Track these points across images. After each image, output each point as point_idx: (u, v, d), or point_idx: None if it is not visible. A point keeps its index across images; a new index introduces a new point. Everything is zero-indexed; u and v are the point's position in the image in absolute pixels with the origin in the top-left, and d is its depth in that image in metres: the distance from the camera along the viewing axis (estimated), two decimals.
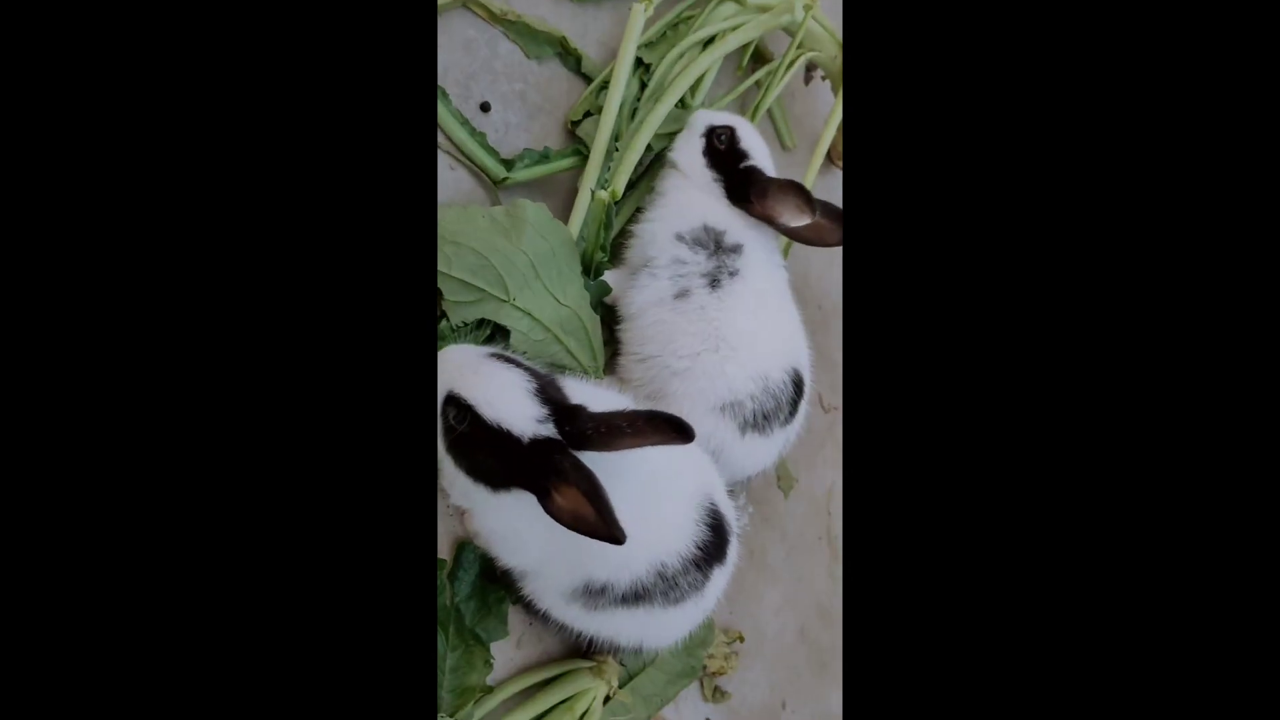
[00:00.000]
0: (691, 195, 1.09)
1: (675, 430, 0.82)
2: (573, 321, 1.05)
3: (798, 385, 1.08)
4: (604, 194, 1.05)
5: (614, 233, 1.11)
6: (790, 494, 1.34)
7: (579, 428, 0.83)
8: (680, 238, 1.06)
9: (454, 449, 0.87)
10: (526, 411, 0.84)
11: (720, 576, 0.99)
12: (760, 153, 1.12)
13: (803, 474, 1.36)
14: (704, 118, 1.13)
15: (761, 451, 1.08)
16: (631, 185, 1.13)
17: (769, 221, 1.07)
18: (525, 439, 0.83)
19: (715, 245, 1.05)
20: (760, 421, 1.04)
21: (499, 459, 0.84)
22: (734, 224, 1.08)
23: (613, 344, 1.11)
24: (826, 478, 1.40)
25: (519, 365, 0.89)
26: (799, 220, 1.06)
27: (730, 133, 1.10)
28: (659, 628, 0.99)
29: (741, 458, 1.06)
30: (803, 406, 1.11)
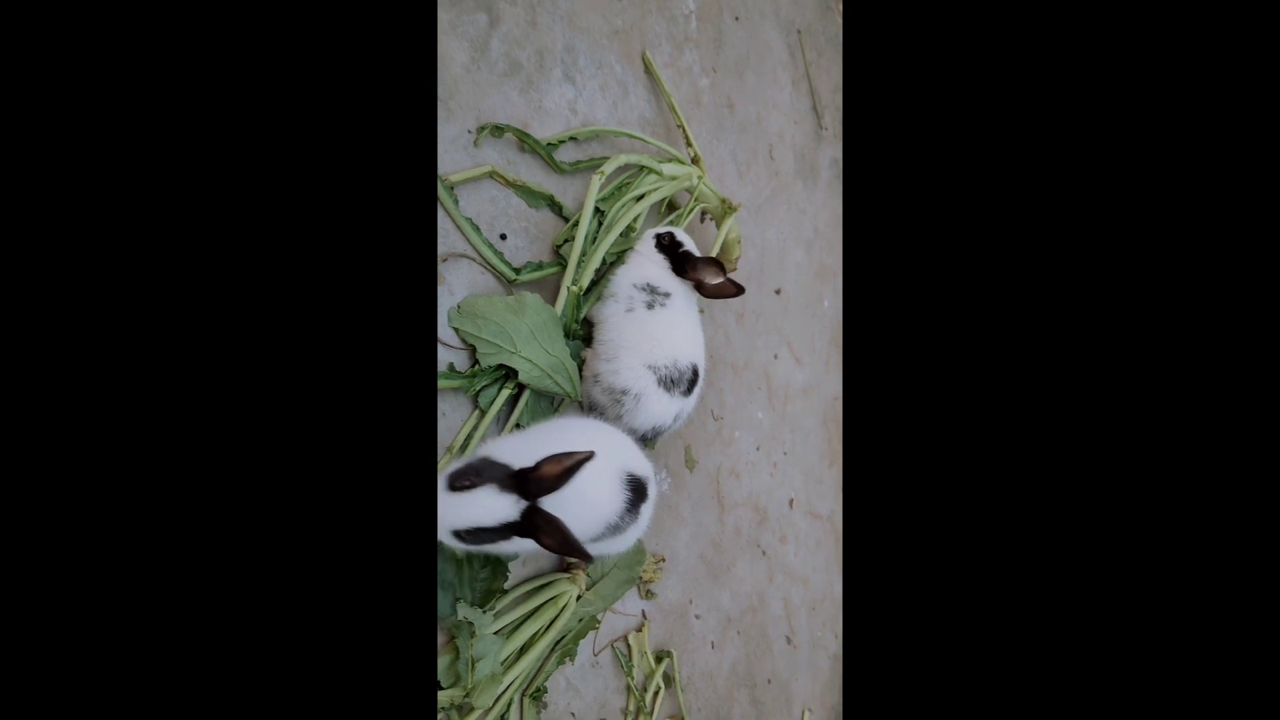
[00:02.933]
0: (644, 265, 1.14)
1: (579, 460, 0.78)
2: (559, 366, 1.06)
3: (695, 374, 1.12)
4: (575, 289, 1.07)
5: (583, 312, 1.11)
6: (694, 470, 1.35)
7: (534, 489, 0.78)
8: (634, 285, 1.11)
9: (480, 542, 0.83)
10: (506, 504, 0.79)
11: (646, 509, 0.99)
12: (689, 244, 1.17)
13: (701, 458, 1.37)
14: (652, 230, 1.18)
15: (666, 405, 1.08)
16: (594, 282, 1.15)
17: (697, 281, 1.13)
18: (518, 518, 0.80)
19: (651, 291, 1.10)
20: (669, 384, 1.08)
21: (506, 534, 0.81)
22: (668, 283, 1.13)
23: (589, 339, 1.13)
24: (716, 460, 1.40)
25: (479, 474, 0.79)
26: (717, 279, 1.12)
27: (670, 234, 1.16)
28: (617, 546, 1.00)
29: (654, 403, 1.07)
30: (697, 392, 1.13)
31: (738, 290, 1.12)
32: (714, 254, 1.31)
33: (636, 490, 0.96)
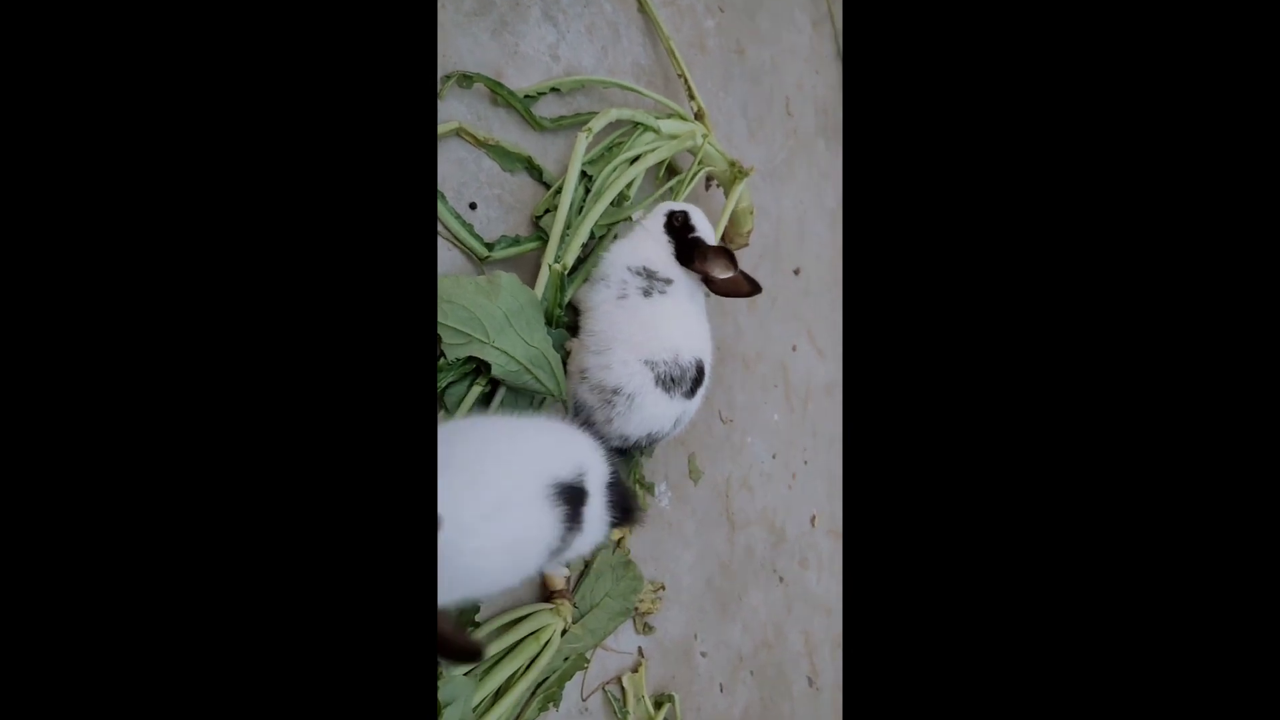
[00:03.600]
0: (645, 244, 1.16)
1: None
2: (539, 359, 1.07)
3: (699, 371, 1.14)
4: (558, 267, 1.09)
5: (568, 296, 1.13)
6: (699, 482, 1.37)
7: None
8: (629, 267, 1.13)
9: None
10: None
11: (594, 511, 0.94)
12: (704, 229, 1.19)
13: (708, 468, 1.39)
14: (667, 205, 1.20)
15: (664, 407, 1.10)
16: (580, 260, 1.17)
17: (705, 274, 1.14)
18: None
19: (649, 275, 1.12)
20: (668, 382, 1.09)
21: None
22: (670, 268, 1.15)
23: (574, 328, 1.15)
24: (724, 470, 1.43)
25: None
26: (726, 273, 1.13)
27: (684, 215, 1.18)
28: (574, 551, 0.98)
29: (650, 405, 1.09)
30: (701, 392, 1.16)
31: (752, 288, 1.14)
32: (721, 227, 1.34)
33: (573, 497, 0.90)
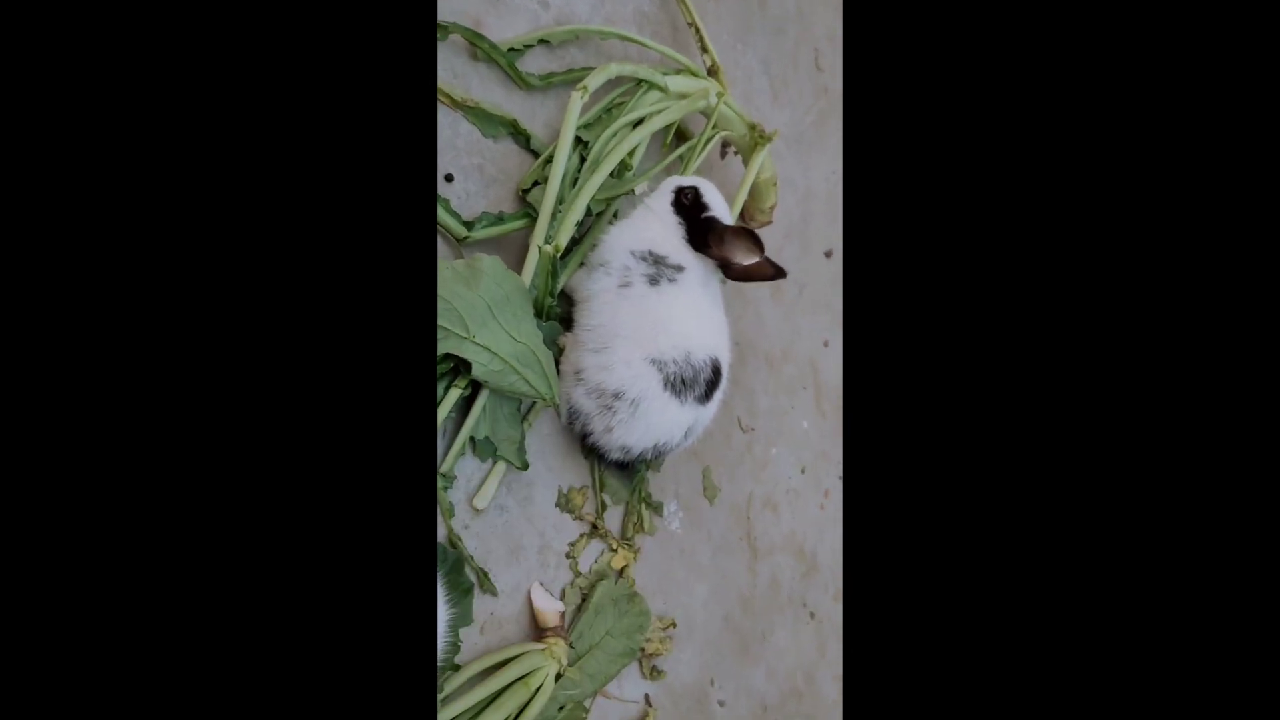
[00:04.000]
0: (651, 226, 1.15)
1: None
2: (527, 356, 1.06)
3: (715, 371, 1.13)
4: (548, 248, 1.07)
5: (560, 283, 1.12)
6: (714, 502, 1.36)
7: None
8: (632, 253, 1.12)
9: None
10: None
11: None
12: (719, 206, 1.18)
13: (725, 485, 1.38)
14: (674, 180, 1.19)
15: (674, 414, 1.10)
16: (575, 241, 1.16)
17: (724, 261, 1.13)
18: None
19: (657, 261, 1.11)
20: (679, 385, 1.09)
21: None
22: (680, 252, 1.14)
23: (568, 321, 1.15)
24: (745, 488, 1.41)
25: None
26: (749, 258, 1.12)
27: (695, 191, 1.17)
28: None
29: (657, 412, 1.09)
30: (717, 396, 1.15)
31: (777, 272, 1.13)
32: (739, 203, 1.32)
33: None
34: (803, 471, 1.52)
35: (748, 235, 1.11)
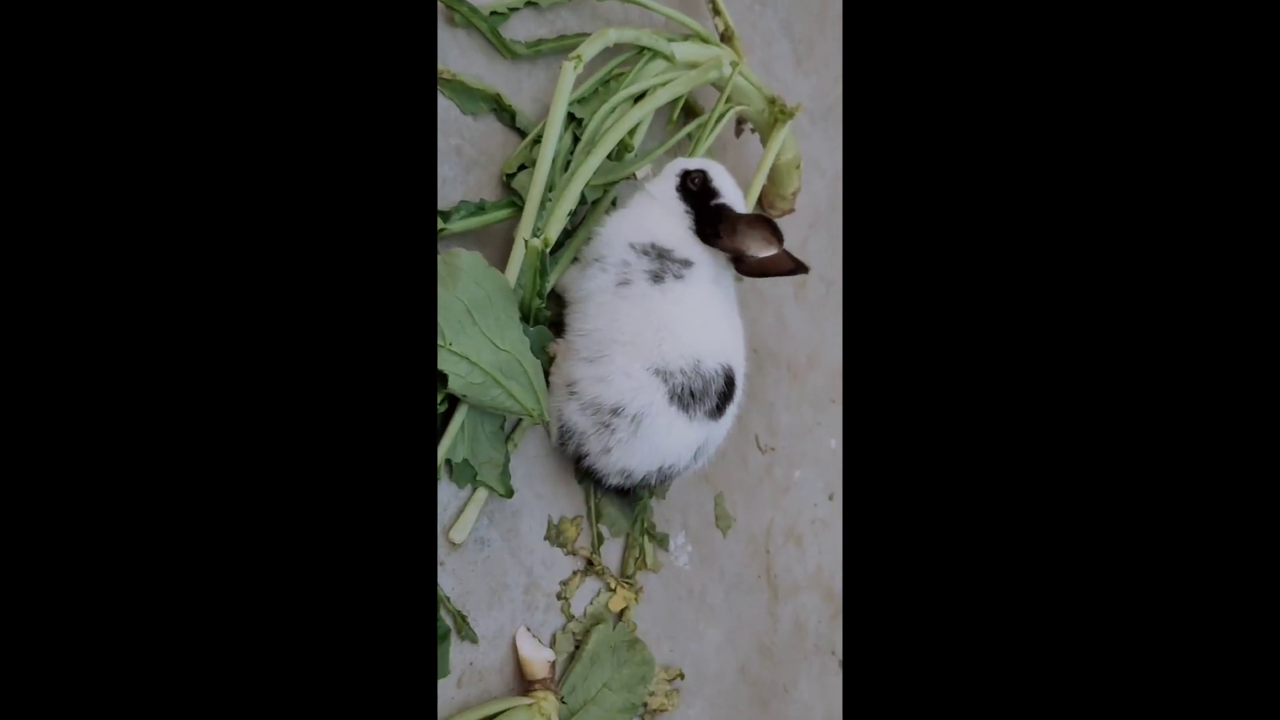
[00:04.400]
0: (653, 215, 1.15)
1: None
2: (512, 366, 1.06)
3: (729, 382, 1.13)
4: (536, 242, 1.07)
5: (550, 282, 1.12)
6: (729, 533, 1.35)
7: None
8: (632, 246, 1.12)
9: None
10: None
11: None
12: (731, 192, 1.17)
13: (740, 514, 1.37)
14: (679, 163, 1.19)
15: (681, 432, 1.11)
16: (567, 234, 1.15)
17: (737, 254, 1.13)
18: None
19: (661, 256, 1.12)
20: (687, 398, 1.09)
21: None
22: (687, 245, 1.14)
23: (558, 326, 1.15)
24: (765, 516, 1.41)
25: None
26: (766, 250, 1.11)
27: (703, 175, 1.17)
28: None
29: (663, 429, 1.09)
30: (732, 410, 1.15)
31: (797, 266, 1.13)
32: (757, 188, 1.32)
33: None
34: (831, 498, 1.52)
35: (764, 223, 1.10)
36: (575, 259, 1.15)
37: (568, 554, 1.17)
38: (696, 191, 1.16)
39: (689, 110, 1.33)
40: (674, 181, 1.17)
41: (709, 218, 1.14)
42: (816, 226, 1.53)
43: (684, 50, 1.23)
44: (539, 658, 1.10)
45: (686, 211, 1.15)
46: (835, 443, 1.53)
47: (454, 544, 1.07)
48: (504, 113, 1.17)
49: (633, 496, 1.23)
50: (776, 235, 1.10)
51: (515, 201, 1.13)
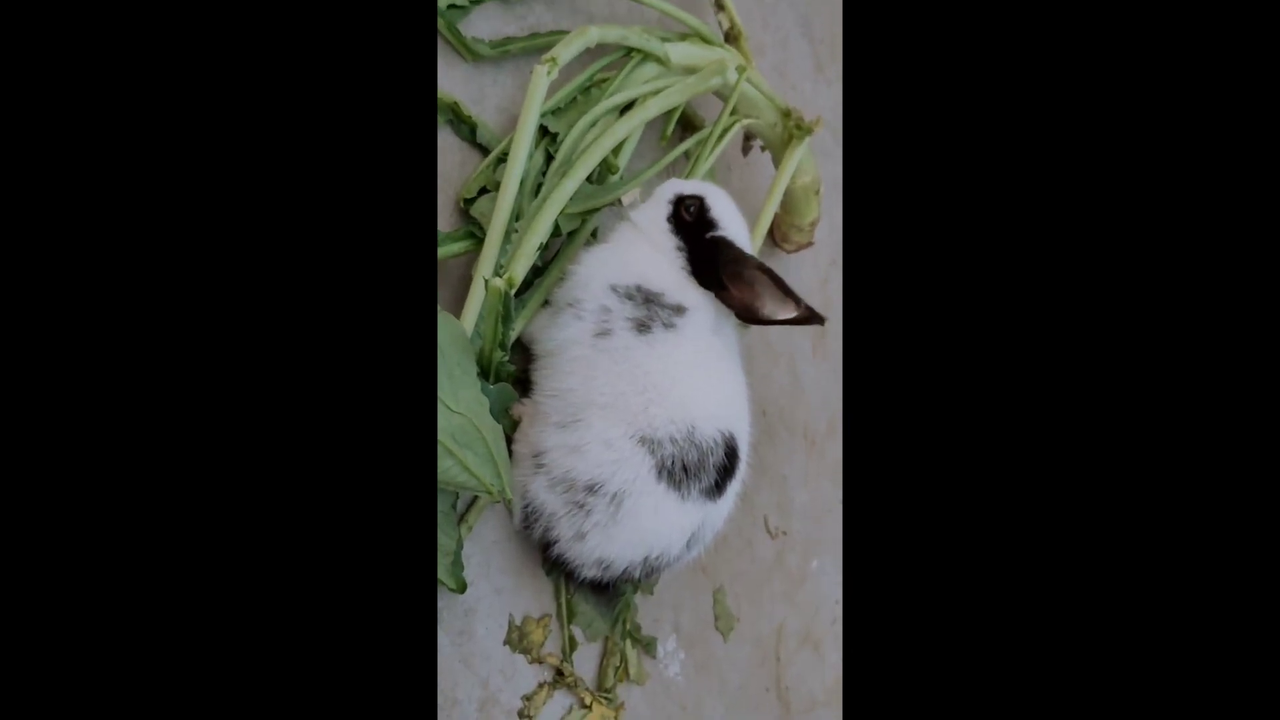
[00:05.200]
0: (640, 251, 1.17)
1: None
2: (468, 432, 1.06)
3: (730, 453, 1.13)
4: (499, 282, 1.07)
5: (515, 330, 1.13)
6: (730, 636, 1.35)
7: None
8: (614, 289, 1.13)
9: None
10: None
11: None
12: (732, 223, 1.19)
13: (745, 612, 1.38)
14: (672, 186, 1.20)
15: (672, 514, 1.11)
16: (536, 271, 1.17)
17: (741, 305, 1.14)
18: None
19: (649, 301, 1.13)
20: (679, 472, 1.09)
21: None
22: (680, 288, 1.15)
23: (524, 384, 1.16)
24: (775, 616, 1.42)
25: None
26: (784, 313, 1.13)
27: (699, 202, 1.18)
28: None
29: (649, 510, 1.09)
30: (731, 489, 1.16)
31: (813, 316, 1.14)
32: (767, 218, 1.34)
33: None
34: None
35: (768, 278, 1.12)
36: (546, 303, 1.16)
37: (532, 662, 1.18)
38: (692, 222, 1.17)
39: (686, 124, 1.35)
40: (665, 210, 1.18)
41: (708, 254, 1.16)
42: (839, 263, 1.56)
43: (681, 52, 1.26)
44: None
45: (679, 247, 1.16)
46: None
47: None
48: (462, 125, 1.18)
49: (612, 592, 1.23)
50: (790, 296, 1.12)
51: (474, 232, 1.15)
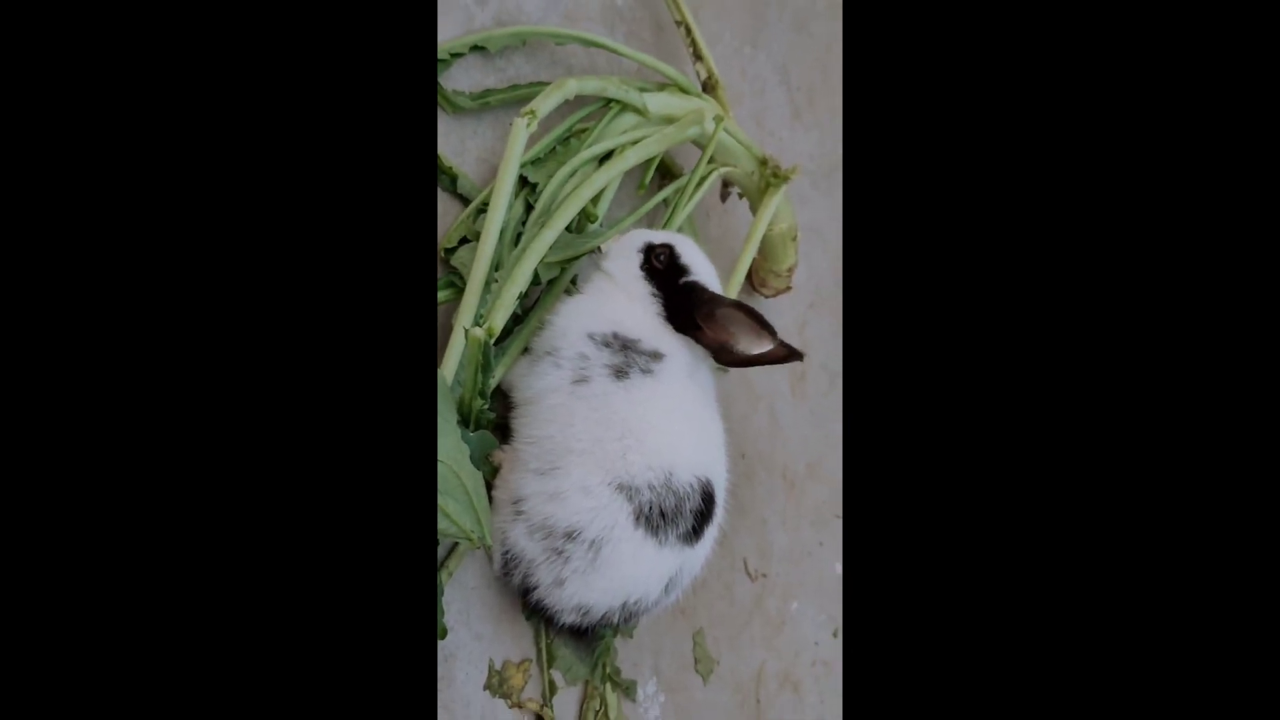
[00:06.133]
0: (615, 300, 1.18)
1: None
2: (448, 479, 1.06)
3: (707, 499, 1.14)
4: (479, 332, 1.07)
5: (495, 378, 1.14)
6: (710, 679, 1.35)
7: None
8: (591, 337, 1.14)
9: None
10: None
11: None
12: (702, 268, 1.20)
13: (725, 655, 1.37)
14: (638, 236, 1.21)
15: (650, 560, 1.11)
16: (516, 320, 1.18)
17: (717, 346, 1.15)
18: None
19: (626, 348, 1.13)
20: (657, 519, 1.10)
21: None
22: (657, 335, 1.16)
23: (504, 430, 1.17)
24: (755, 658, 1.41)
25: None
26: (758, 345, 1.13)
27: (669, 250, 1.19)
28: None
29: (627, 556, 1.10)
30: (709, 534, 1.16)
31: (790, 354, 1.15)
32: (744, 263, 1.35)
33: None
34: (835, 635, 1.51)
35: (746, 313, 1.13)
36: (525, 351, 1.17)
37: (512, 706, 1.17)
38: (664, 268, 1.19)
39: (665, 172, 1.36)
40: (636, 259, 1.19)
41: (682, 301, 1.17)
42: (818, 307, 1.56)
43: (659, 102, 1.27)
44: None
45: (654, 294, 1.18)
46: (841, 566, 1.54)
47: None
48: (443, 176, 1.19)
49: (592, 637, 1.22)
50: (766, 330, 1.13)
51: (454, 282, 1.15)
